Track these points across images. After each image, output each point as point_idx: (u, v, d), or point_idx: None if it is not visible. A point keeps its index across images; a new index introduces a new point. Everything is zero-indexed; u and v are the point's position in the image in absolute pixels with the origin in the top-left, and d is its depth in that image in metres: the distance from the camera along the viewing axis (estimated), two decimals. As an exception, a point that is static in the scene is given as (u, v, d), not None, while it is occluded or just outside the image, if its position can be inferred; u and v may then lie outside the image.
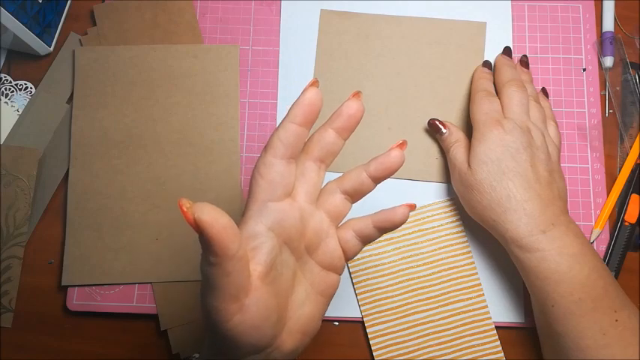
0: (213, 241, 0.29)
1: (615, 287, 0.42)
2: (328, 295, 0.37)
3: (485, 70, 0.51)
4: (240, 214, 0.50)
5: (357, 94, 0.35)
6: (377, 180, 0.36)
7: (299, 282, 0.36)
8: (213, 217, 0.28)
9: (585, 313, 0.40)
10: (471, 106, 0.48)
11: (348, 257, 0.37)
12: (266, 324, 0.32)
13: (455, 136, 0.48)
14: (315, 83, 0.34)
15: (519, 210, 0.42)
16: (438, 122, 0.50)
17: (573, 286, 0.41)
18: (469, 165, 0.45)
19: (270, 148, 0.33)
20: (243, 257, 0.30)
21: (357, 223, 0.37)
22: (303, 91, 0.33)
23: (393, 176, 0.51)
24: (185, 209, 0.28)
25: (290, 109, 0.33)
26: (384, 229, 0.37)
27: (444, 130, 0.49)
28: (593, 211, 0.51)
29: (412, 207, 0.37)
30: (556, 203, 0.43)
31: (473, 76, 0.51)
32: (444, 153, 0.51)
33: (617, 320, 0.40)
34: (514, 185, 0.43)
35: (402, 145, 0.36)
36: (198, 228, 0.28)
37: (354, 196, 0.37)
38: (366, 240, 0.37)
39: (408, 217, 0.37)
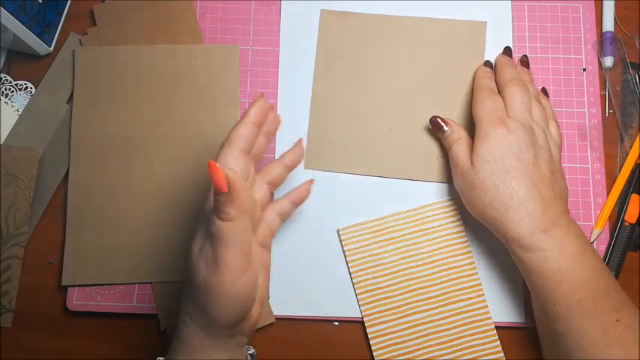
0: (238, 194, 0.34)
1: (616, 287, 0.42)
2: (268, 269, 0.44)
3: (487, 69, 0.51)
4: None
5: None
6: (291, 169, 0.45)
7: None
8: (237, 176, 0.35)
9: (586, 313, 0.40)
10: (473, 104, 0.48)
11: (273, 235, 0.44)
12: (257, 285, 0.38)
13: (457, 134, 0.48)
14: (262, 96, 0.42)
15: (521, 209, 0.42)
16: (439, 120, 0.49)
17: (574, 285, 0.41)
18: (472, 163, 0.45)
19: (233, 143, 0.39)
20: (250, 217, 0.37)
21: (278, 204, 0.44)
22: (254, 101, 0.41)
23: (393, 176, 0.51)
24: (217, 167, 0.34)
25: (246, 113, 0.40)
26: (297, 203, 0.46)
27: (445, 128, 0.49)
28: (593, 211, 0.51)
29: (311, 181, 0.47)
30: (557, 203, 0.43)
31: (475, 75, 0.51)
32: (444, 153, 0.51)
33: (618, 320, 0.40)
34: (517, 184, 0.43)
35: (300, 140, 0.46)
36: (226, 184, 0.34)
37: (275, 185, 0.44)
38: (285, 217, 0.45)
39: (310, 190, 0.46)
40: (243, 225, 0.36)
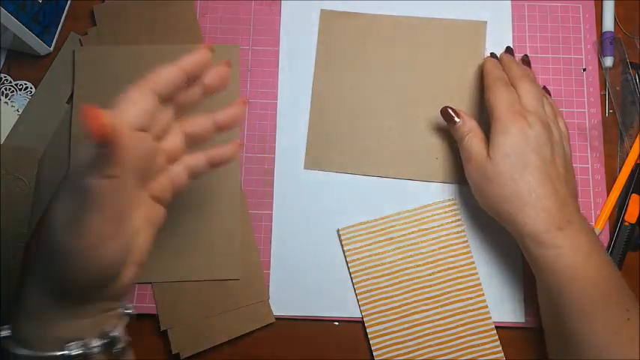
0: (121, 148, 0.30)
1: (626, 287, 0.42)
2: (156, 226, 0.38)
3: (496, 60, 0.50)
4: (240, 212, 0.50)
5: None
6: (222, 129, 0.40)
7: (135, 210, 0.36)
8: (126, 125, 0.30)
9: (598, 312, 0.40)
10: (488, 95, 0.47)
11: (175, 190, 0.39)
12: (129, 249, 0.34)
13: (468, 126, 0.47)
14: (210, 49, 0.37)
15: (538, 205, 0.42)
16: (451, 110, 0.48)
17: (587, 283, 0.41)
18: (488, 155, 0.44)
19: (145, 81, 0.34)
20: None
21: (191, 158, 0.40)
22: (199, 48, 0.36)
23: (393, 176, 0.51)
24: (95, 111, 0.28)
25: (182, 59, 0.36)
26: (215, 164, 0.41)
27: (457, 120, 0.48)
28: (593, 211, 0.51)
29: (241, 144, 0.41)
30: (571, 201, 0.43)
31: (484, 67, 0.50)
32: (444, 153, 0.51)
33: (629, 319, 0.40)
34: (535, 180, 0.42)
35: (243, 101, 0.41)
36: (106, 133, 0.28)
37: (195, 140, 0.40)
38: (195, 174, 0.40)
39: (237, 153, 0.41)
40: (122, 185, 0.31)
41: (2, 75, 0.53)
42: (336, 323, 0.49)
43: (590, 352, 0.40)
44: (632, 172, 0.51)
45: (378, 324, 0.48)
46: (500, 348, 0.48)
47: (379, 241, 0.49)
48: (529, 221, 0.42)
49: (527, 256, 0.44)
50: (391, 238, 0.49)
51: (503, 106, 0.45)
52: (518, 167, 0.43)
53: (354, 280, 0.49)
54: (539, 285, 0.44)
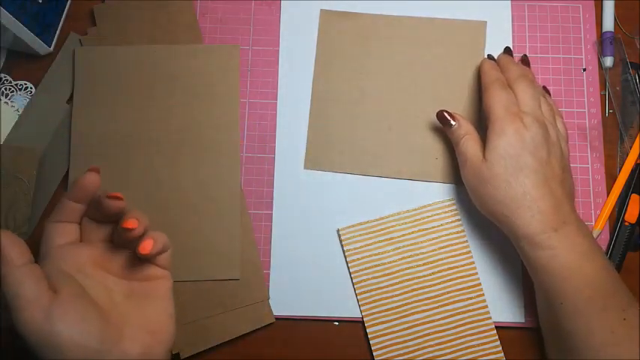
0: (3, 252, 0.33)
1: (623, 286, 0.42)
2: (156, 295, 0.42)
3: (493, 62, 0.50)
4: (240, 212, 0.50)
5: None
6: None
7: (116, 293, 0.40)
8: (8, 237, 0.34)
9: (595, 311, 0.40)
10: (485, 96, 0.47)
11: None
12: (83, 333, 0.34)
13: (464, 129, 0.47)
14: (96, 170, 0.40)
15: (533, 207, 0.42)
16: (446, 114, 0.48)
17: (583, 283, 0.41)
18: (484, 158, 0.44)
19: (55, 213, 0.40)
20: (32, 269, 0.35)
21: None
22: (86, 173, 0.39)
23: (393, 176, 0.51)
24: None
25: (71, 185, 0.37)
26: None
27: (452, 123, 0.48)
28: (593, 211, 0.51)
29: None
30: (567, 201, 0.43)
31: (481, 69, 0.50)
32: (444, 153, 0.51)
33: (625, 319, 0.40)
34: (530, 182, 0.42)
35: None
36: None
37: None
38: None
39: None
40: (21, 278, 0.34)
41: (2, 75, 0.53)
42: (336, 323, 0.49)
43: (588, 352, 0.40)
44: (632, 172, 0.51)
45: (378, 324, 0.48)
46: (500, 348, 0.48)
47: (379, 241, 0.49)
48: (523, 223, 0.42)
49: (523, 258, 0.44)
50: (391, 238, 0.49)
51: (499, 107, 0.45)
52: (513, 169, 0.43)
53: (354, 280, 0.49)
54: (537, 286, 0.44)
